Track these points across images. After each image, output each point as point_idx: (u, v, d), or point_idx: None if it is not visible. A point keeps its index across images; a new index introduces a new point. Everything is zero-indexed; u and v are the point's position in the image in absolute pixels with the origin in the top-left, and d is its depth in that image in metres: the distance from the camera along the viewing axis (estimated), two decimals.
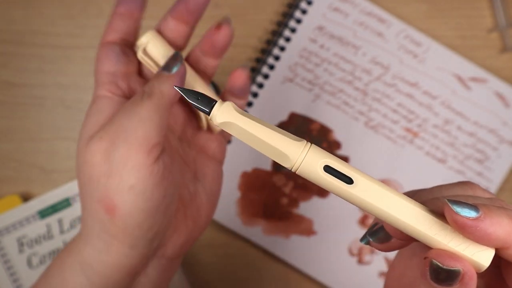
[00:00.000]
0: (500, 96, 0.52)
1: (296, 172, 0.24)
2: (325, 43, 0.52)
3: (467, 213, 0.22)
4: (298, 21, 0.52)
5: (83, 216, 0.32)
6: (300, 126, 0.51)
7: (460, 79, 0.52)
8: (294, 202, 0.50)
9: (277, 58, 0.51)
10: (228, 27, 0.34)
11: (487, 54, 0.53)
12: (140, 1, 0.34)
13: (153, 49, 0.34)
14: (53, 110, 0.52)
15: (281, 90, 0.51)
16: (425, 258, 0.23)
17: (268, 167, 0.51)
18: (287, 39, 0.52)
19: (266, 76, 0.51)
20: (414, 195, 0.25)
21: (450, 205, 0.22)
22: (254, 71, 0.52)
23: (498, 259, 0.24)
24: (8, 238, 0.48)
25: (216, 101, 0.25)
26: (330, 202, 0.50)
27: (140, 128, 0.29)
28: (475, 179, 0.51)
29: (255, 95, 0.51)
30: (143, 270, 0.33)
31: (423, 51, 0.52)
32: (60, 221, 0.49)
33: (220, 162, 0.38)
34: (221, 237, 0.51)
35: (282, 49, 0.52)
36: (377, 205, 0.23)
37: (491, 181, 0.51)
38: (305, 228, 0.50)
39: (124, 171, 0.29)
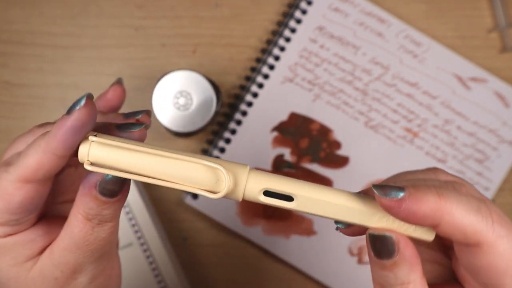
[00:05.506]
0: (500, 96, 0.52)
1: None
2: (325, 43, 0.52)
3: (393, 195, 0.23)
4: (298, 21, 0.52)
5: None
6: (300, 126, 0.51)
7: (460, 79, 0.52)
8: None
9: (277, 58, 0.51)
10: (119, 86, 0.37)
11: (487, 54, 0.53)
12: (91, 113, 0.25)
13: (101, 156, 0.25)
14: (53, 110, 0.52)
15: (281, 90, 0.51)
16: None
17: (268, 167, 0.51)
18: (287, 39, 0.52)
19: (266, 76, 0.51)
20: (384, 180, 0.27)
21: (374, 190, 0.23)
22: (254, 71, 0.52)
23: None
24: None
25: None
26: None
27: None
28: (475, 179, 0.51)
29: (255, 95, 0.51)
30: None
31: (423, 51, 0.52)
32: None
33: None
34: (221, 237, 0.51)
35: (282, 49, 0.52)
36: (319, 214, 0.24)
37: (491, 181, 0.51)
38: (305, 228, 0.50)
39: None
